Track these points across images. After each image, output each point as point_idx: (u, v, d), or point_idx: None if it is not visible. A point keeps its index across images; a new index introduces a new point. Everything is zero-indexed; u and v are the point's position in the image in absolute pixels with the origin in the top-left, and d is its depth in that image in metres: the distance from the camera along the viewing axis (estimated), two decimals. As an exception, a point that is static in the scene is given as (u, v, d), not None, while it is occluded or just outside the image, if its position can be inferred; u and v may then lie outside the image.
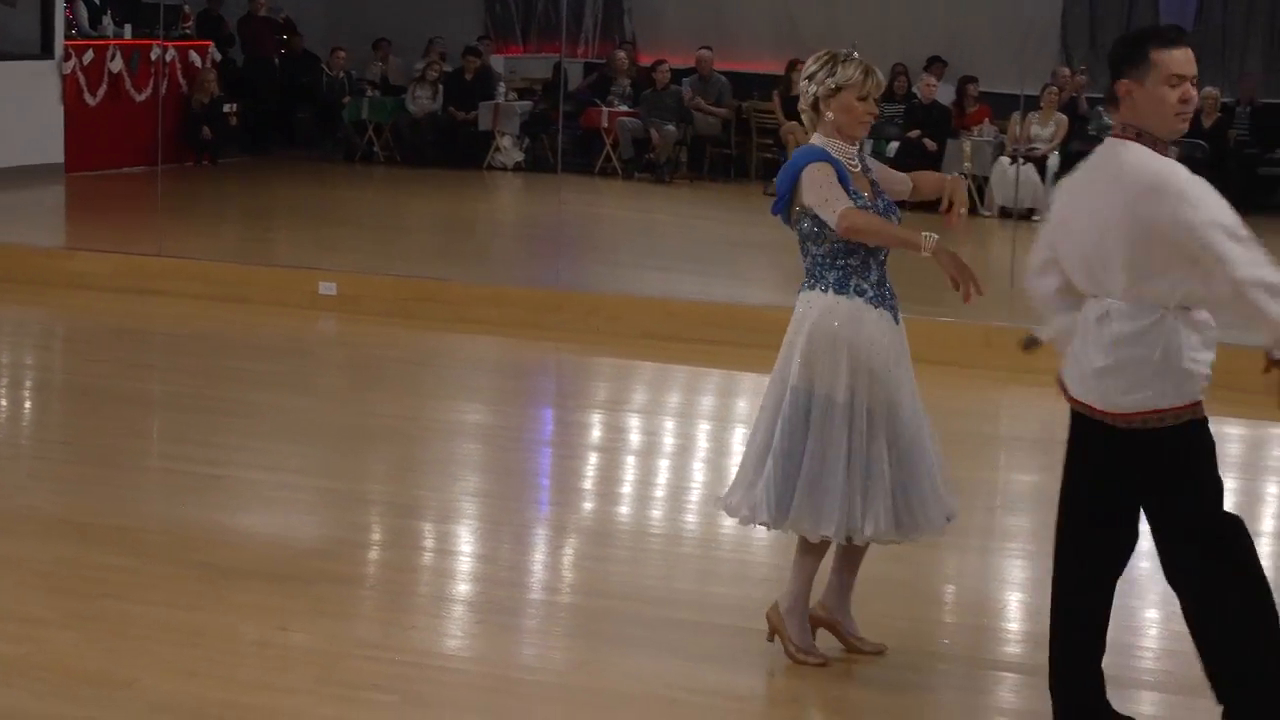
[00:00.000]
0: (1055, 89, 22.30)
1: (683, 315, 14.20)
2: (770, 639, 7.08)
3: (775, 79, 23.87)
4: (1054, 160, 21.62)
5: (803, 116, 7.03)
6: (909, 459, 6.82)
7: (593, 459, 10.74)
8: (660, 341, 13.80)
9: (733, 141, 24.69)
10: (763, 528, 7.01)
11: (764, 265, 18.49)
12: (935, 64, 23.63)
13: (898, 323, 6.90)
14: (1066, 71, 23.58)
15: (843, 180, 6.80)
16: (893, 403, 6.80)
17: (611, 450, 10.99)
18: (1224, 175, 22.34)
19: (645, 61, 25.22)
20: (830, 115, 6.90)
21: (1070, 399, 6.12)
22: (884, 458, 6.75)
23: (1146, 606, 8.07)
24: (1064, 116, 22.10)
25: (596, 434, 11.43)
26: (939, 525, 6.95)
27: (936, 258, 6.56)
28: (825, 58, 6.97)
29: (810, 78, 6.94)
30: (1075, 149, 21.86)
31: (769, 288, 16.78)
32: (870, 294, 6.83)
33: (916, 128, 22.38)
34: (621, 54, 25.51)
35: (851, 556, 7.07)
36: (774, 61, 24.38)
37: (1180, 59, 5.81)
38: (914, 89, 23.18)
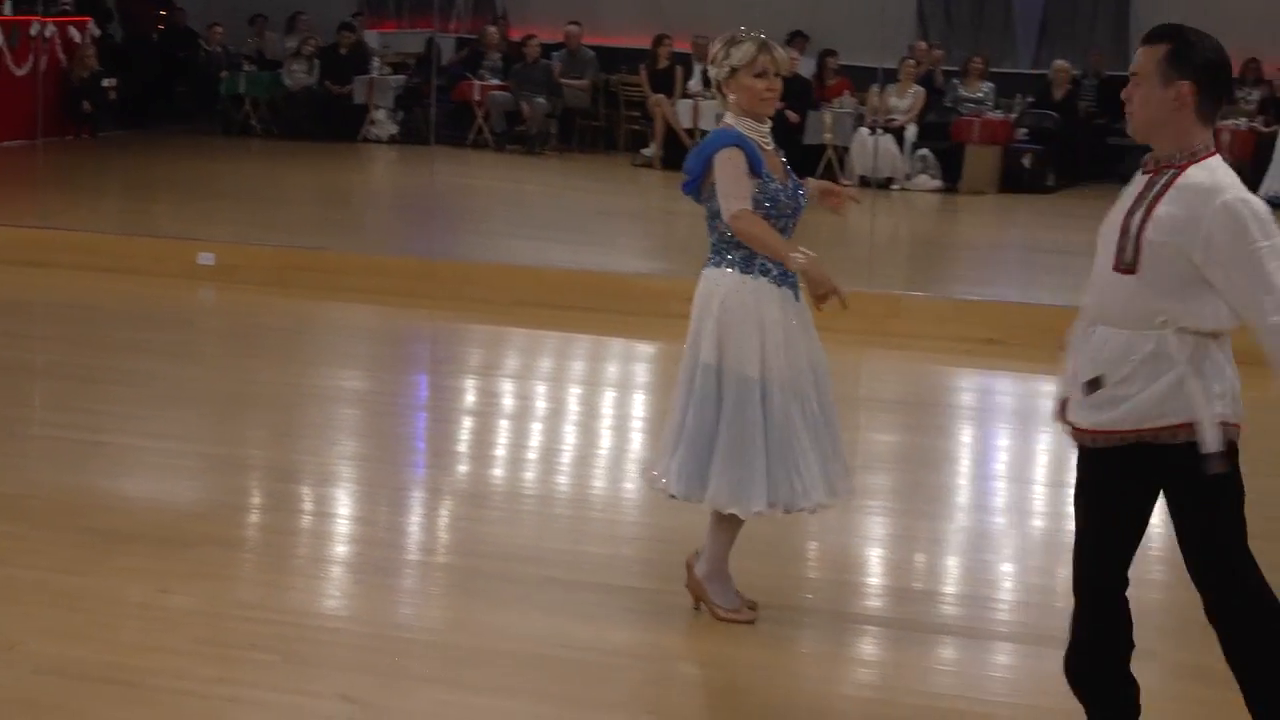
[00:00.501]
0: (913, 62, 22.42)
1: (553, 283, 14.20)
2: (696, 607, 7.06)
3: (642, 53, 23.92)
4: (911, 131, 21.76)
5: (718, 102, 6.97)
6: (825, 426, 6.82)
7: (467, 423, 10.72)
8: (531, 308, 13.78)
9: (601, 114, 24.69)
10: (676, 499, 6.96)
11: (632, 234, 18.55)
12: (797, 38, 23.70)
13: (798, 299, 6.85)
14: (924, 45, 23.72)
15: (755, 163, 6.74)
16: (800, 376, 6.77)
17: (485, 414, 10.97)
18: (1075, 145, 22.63)
19: (516, 36, 25.17)
20: (733, 97, 6.83)
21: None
22: (800, 429, 6.72)
23: (1001, 560, 8.16)
24: (921, 89, 22.21)
25: (470, 399, 11.41)
26: (841, 497, 6.97)
27: (804, 276, 6.59)
28: (722, 41, 6.88)
29: (712, 62, 6.87)
30: (932, 120, 22.06)
31: (637, 256, 16.85)
32: (774, 273, 6.77)
33: (780, 100, 22.38)
34: (493, 29, 25.45)
35: (732, 529, 6.99)
36: (640, 36, 24.38)
37: None
38: (777, 62, 23.23)
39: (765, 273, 6.78)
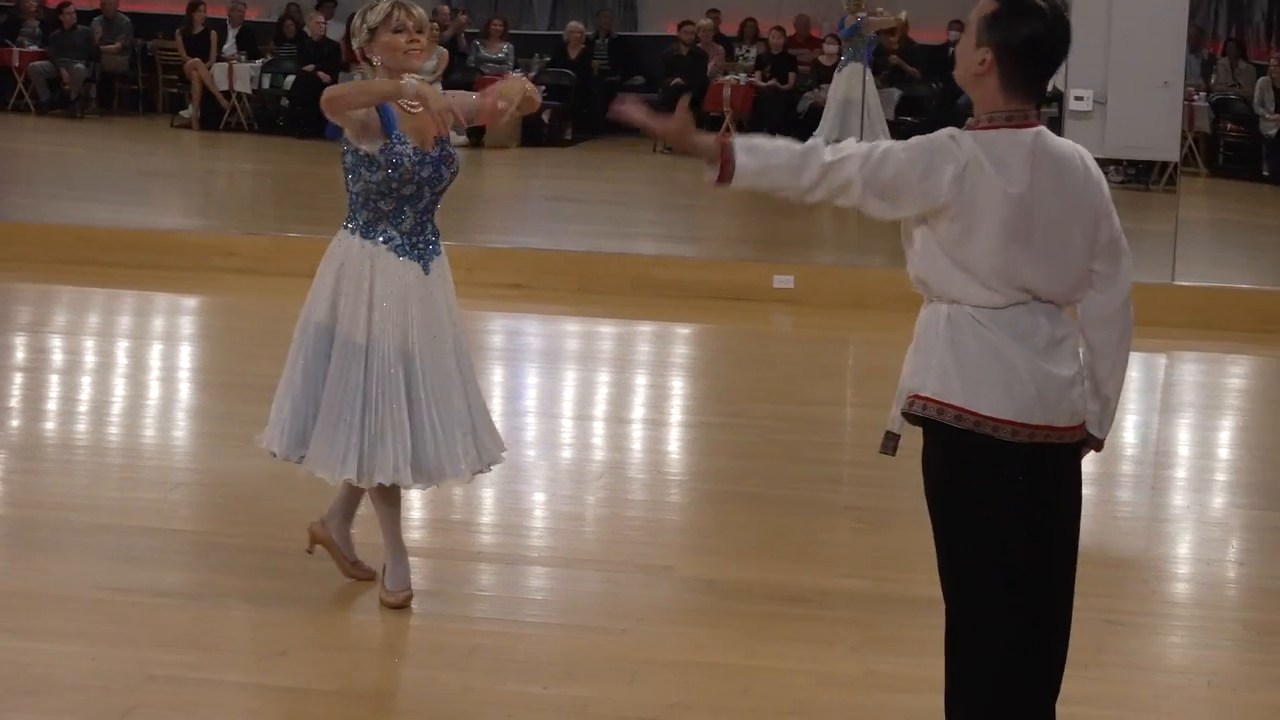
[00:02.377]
0: (436, 25, 22.38)
1: (97, 241, 13.82)
2: (309, 550, 6.71)
3: (178, 18, 23.41)
4: (438, 90, 21.70)
5: (366, 71, 6.47)
6: (432, 406, 6.30)
7: (18, 379, 10.35)
8: (77, 266, 13.38)
9: (140, 78, 24.09)
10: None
11: (171, 193, 18.18)
12: (325, 4, 23.51)
13: (428, 273, 6.37)
14: (447, 9, 23.69)
15: (388, 121, 6.24)
16: (412, 351, 6.28)
17: (35, 370, 10.61)
18: (590, 101, 22.92)
19: (53, 4, 24.33)
20: (377, 59, 6.34)
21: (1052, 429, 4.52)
22: (402, 404, 6.24)
23: (532, 490, 8.24)
24: (444, 50, 22.18)
25: (20, 355, 11.02)
26: (465, 473, 6.42)
27: (420, 99, 6.22)
28: (359, 10, 6.44)
29: (353, 35, 6.43)
30: (456, 79, 22.07)
31: (178, 213, 16.51)
32: (398, 242, 6.31)
33: (310, 63, 22.18)
34: (29, -4, 24.59)
35: (389, 506, 6.51)
36: (176, 2, 23.84)
37: None
38: (304, 27, 22.99)
39: (387, 241, 6.31)
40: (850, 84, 18.51)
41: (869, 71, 18.80)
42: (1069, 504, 4.60)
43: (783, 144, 4.47)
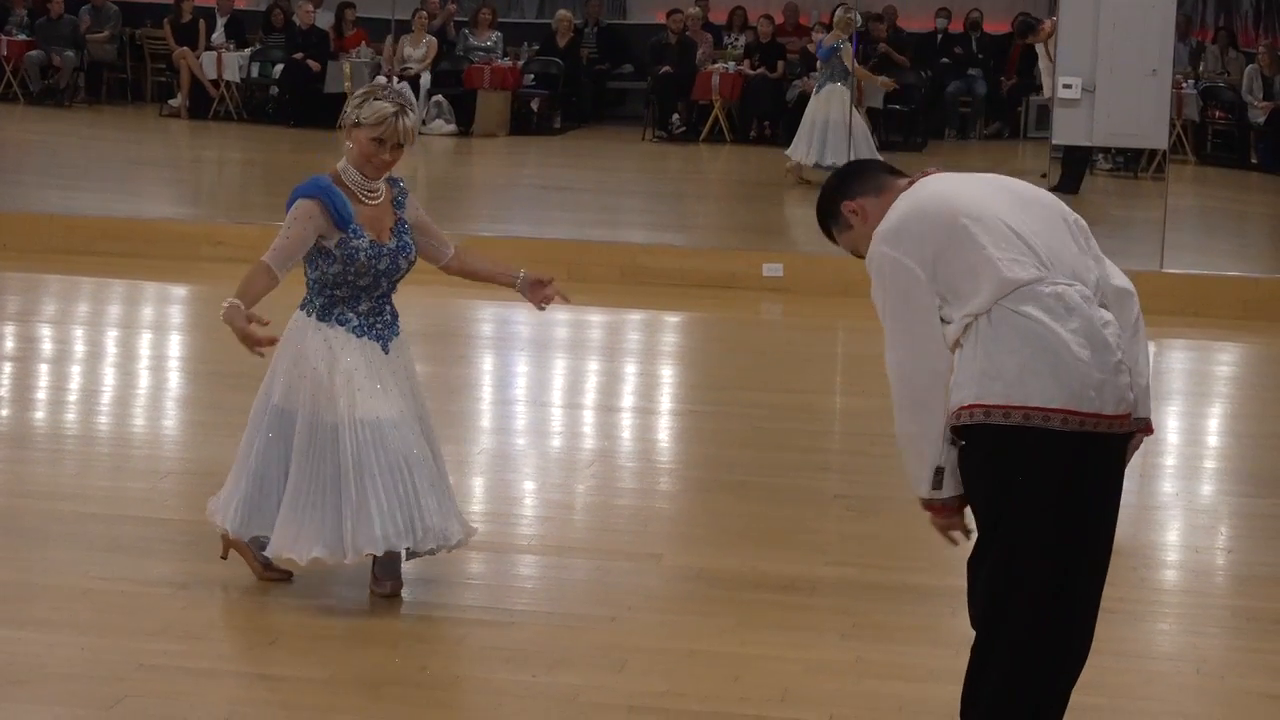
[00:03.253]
0: (425, 14, 22.36)
1: (84, 230, 13.81)
2: (223, 556, 6.65)
3: (166, 8, 23.38)
4: (426, 79, 21.71)
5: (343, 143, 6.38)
6: (406, 474, 6.23)
7: (6, 368, 10.34)
8: (64, 255, 13.38)
9: (128, 67, 24.03)
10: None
11: (159, 181, 18.16)
12: (314, -9, 23.50)
13: (387, 353, 6.33)
14: (437, -1, 23.68)
15: (341, 218, 6.18)
16: (384, 426, 6.20)
17: (24, 359, 10.59)
18: (579, 89, 22.90)
19: (41, -8, 24.29)
20: (349, 145, 6.28)
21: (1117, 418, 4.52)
22: (375, 476, 6.17)
23: (521, 479, 8.24)
24: (433, 39, 22.18)
25: (9, 345, 11.00)
26: (454, 537, 6.38)
27: (226, 320, 6.11)
28: (366, 89, 6.38)
29: (350, 103, 6.33)
30: (445, 68, 22.07)
31: (165, 202, 16.51)
32: (355, 324, 6.29)
33: (298, 51, 22.14)
34: (17, -15, 24.53)
35: None
36: (165, -9, 23.83)
37: None
38: (293, 16, 22.94)
39: (344, 323, 6.28)
40: (831, 105, 18.13)
41: (849, 93, 18.44)
42: (1114, 497, 4.62)
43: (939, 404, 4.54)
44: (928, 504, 4.58)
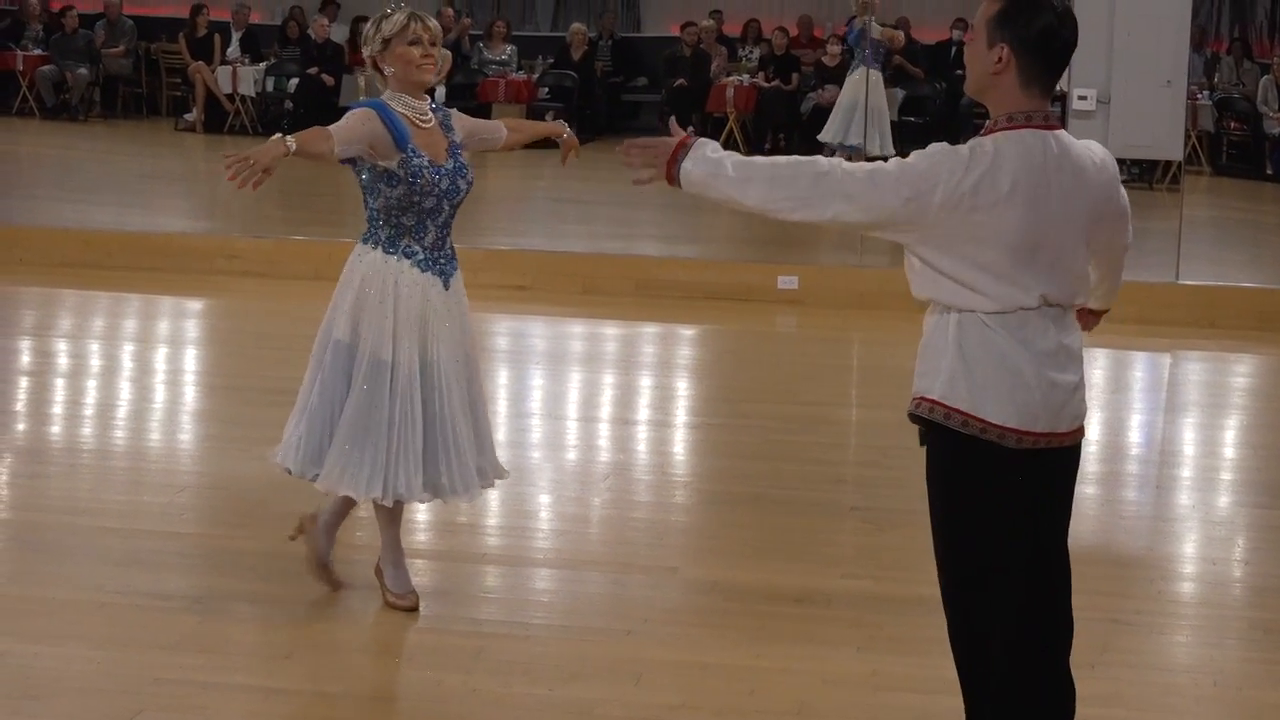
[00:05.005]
0: (440, 28, 22.37)
1: (99, 244, 13.84)
2: (293, 538, 6.62)
3: (181, 22, 23.44)
4: (440, 92, 21.74)
5: (376, 83, 6.41)
6: (446, 424, 6.27)
7: (23, 383, 10.36)
8: (80, 269, 13.41)
9: (143, 81, 24.10)
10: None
11: (174, 195, 18.21)
12: (329, 6, 23.55)
13: (448, 289, 6.35)
14: (450, 12, 23.70)
15: (400, 136, 6.16)
16: (432, 369, 6.25)
17: (40, 374, 10.62)
18: (593, 102, 22.92)
19: (56, 7, 24.35)
20: (389, 69, 6.28)
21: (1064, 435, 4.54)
22: (418, 422, 6.21)
23: (538, 492, 8.24)
24: (448, 52, 22.18)
25: (26, 359, 11.03)
26: (475, 488, 6.40)
27: (269, 142, 6.00)
28: (373, 19, 6.36)
29: (365, 43, 6.35)
30: (459, 82, 22.12)
31: (179, 216, 16.54)
32: (420, 257, 6.27)
33: (313, 65, 22.20)
34: (33, 0, 24.58)
35: (393, 514, 6.47)
36: (179, 5, 23.87)
37: None
38: (308, 30, 23.01)
39: (409, 255, 6.26)
40: (856, 88, 18.70)
41: (876, 75, 18.94)
42: (1064, 502, 4.61)
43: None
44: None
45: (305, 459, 6.31)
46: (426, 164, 6.24)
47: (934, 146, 4.46)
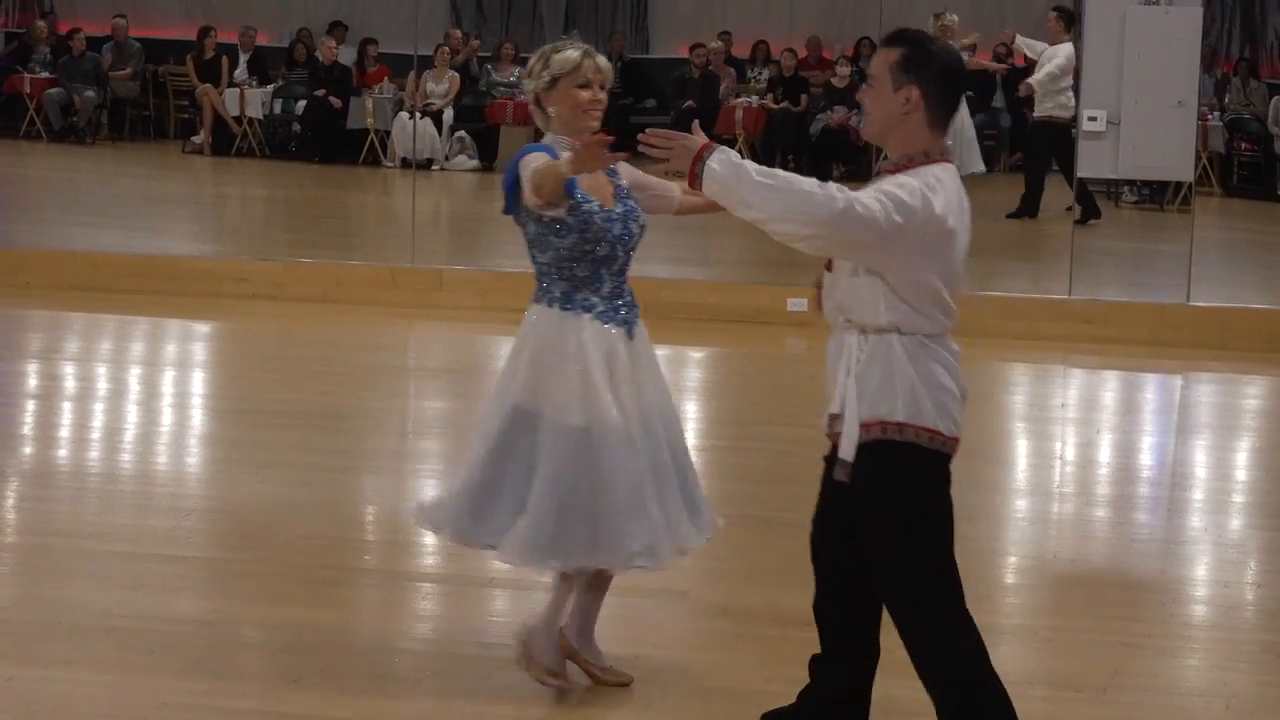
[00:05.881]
0: (447, 50, 22.44)
1: (107, 267, 13.85)
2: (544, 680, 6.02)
3: (188, 44, 23.51)
4: (449, 114, 21.80)
5: (536, 120, 5.96)
6: (676, 470, 5.86)
7: (30, 406, 10.37)
8: (87, 293, 13.42)
9: (151, 103, 24.15)
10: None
11: (182, 218, 18.23)
12: (337, 28, 23.59)
13: (632, 337, 5.84)
14: (459, 34, 23.75)
15: (569, 182, 5.64)
16: (636, 422, 5.74)
17: (47, 397, 10.63)
18: (602, 124, 22.91)
19: (64, 30, 24.42)
20: (552, 110, 5.82)
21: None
22: (619, 491, 5.66)
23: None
24: (455, 74, 22.26)
25: (32, 382, 11.04)
26: (708, 530, 6.02)
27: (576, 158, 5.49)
28: (541, 51, 5.87)
29: (530, 75, 5.87)
30: (468, 103, 22.14)
31: (187, 239, 16.55)
32: (600, 309, 5.78)
33: (321, 87, 22.23)
34: (41, 23, 24.65)
35: (598, 582, 6.03)
36: (186, 28, 23.95)
37: None
38: (316, 52, 23.06)
39: (589, 309, 5.77)
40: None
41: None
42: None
43: None
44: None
45: (465, 528, 5.82)
46: (597, 209, 5.78)
47: (897, 178, 4.80)
